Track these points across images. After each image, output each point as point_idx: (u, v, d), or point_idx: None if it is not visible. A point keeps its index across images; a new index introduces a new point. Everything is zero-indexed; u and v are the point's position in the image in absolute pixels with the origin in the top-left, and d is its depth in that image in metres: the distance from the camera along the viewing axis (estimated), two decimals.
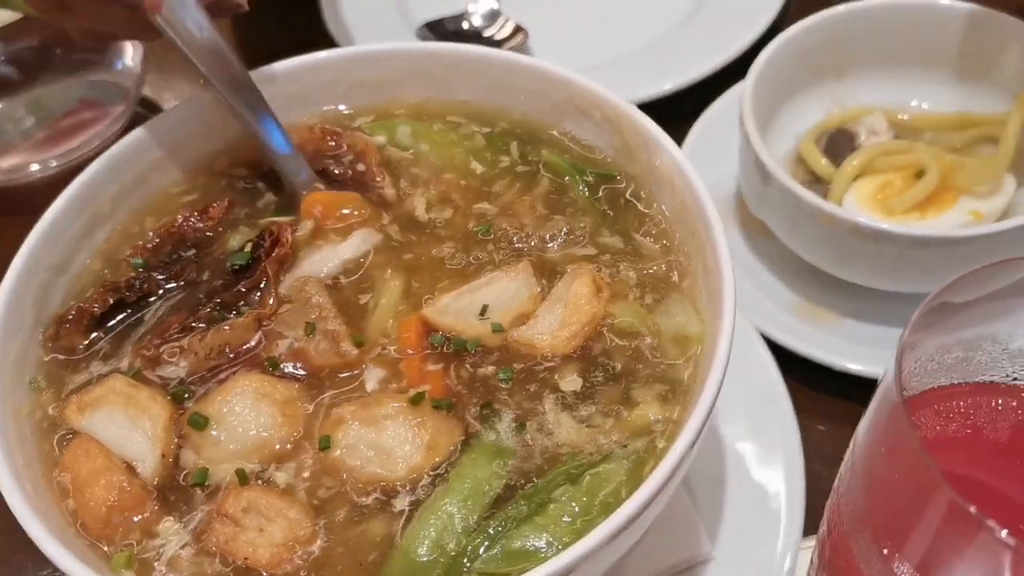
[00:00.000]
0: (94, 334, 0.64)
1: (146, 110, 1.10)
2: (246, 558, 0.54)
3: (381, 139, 0.72)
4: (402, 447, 0.56)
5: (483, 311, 0.61)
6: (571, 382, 0.59)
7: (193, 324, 0.62)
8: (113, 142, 0.70)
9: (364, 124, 0.74)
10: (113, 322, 0.65)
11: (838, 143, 0.91)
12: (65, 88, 1.05)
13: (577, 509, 0.54)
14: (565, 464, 0.56)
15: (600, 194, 0.69)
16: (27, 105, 1.04)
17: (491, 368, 0.60)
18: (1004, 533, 0.38)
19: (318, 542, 0.55)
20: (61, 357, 0.63)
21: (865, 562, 0.45)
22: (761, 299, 0.87)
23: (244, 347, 0.62)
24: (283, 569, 0.54)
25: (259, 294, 0.64)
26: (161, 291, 0.66)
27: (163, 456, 0.58)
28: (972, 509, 0.38)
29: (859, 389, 0.72)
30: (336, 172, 0.70)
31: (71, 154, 1.05)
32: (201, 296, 0.65)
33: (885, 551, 0.44)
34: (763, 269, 0.90)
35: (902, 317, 0.47)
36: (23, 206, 1.03)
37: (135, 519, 0.56)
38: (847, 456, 0.51)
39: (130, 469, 0.58)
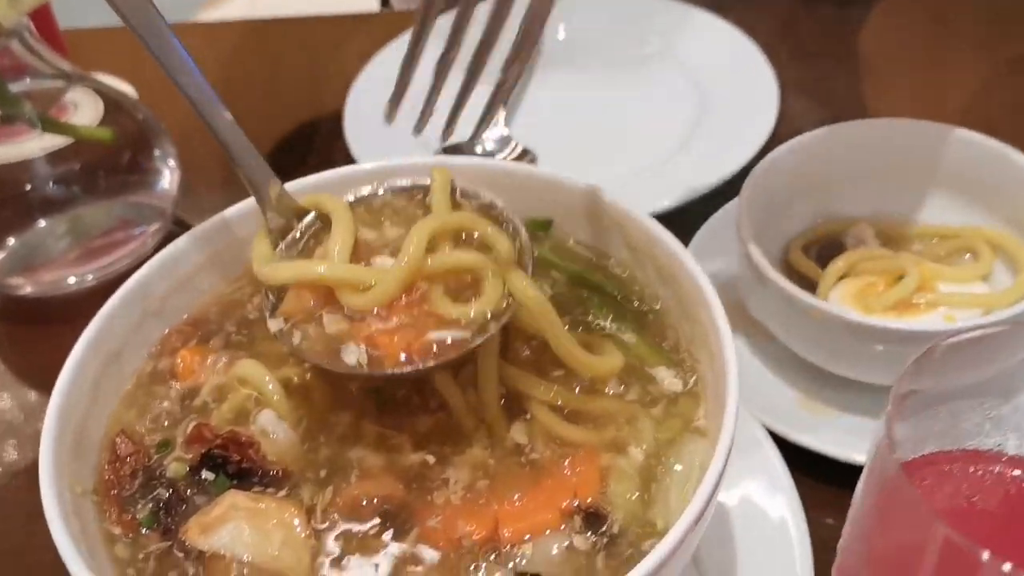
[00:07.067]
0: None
1: (180, 229, 1.17)
2: None
3: None
4: None
5: None
6: None
7: None
8: (148, 258, 0.73)
9: None
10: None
11: (828, 251, 0.98)
12: (105, 209, 1.13)
13: None
14: None
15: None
16: (68, 224, 1.11)
17: None
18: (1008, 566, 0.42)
19: None
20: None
21: None
22: (764, 394, 0.91)
23: None
24: None
25: None
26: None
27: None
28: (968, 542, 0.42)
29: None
30: None
31: (107, 269, 1.12)
32: None
33: None
34: (766, 370, 0.95)
35: None
36: (61, 315, 1.10)
37: None
38: (846, 524, 0.55)
39: None
